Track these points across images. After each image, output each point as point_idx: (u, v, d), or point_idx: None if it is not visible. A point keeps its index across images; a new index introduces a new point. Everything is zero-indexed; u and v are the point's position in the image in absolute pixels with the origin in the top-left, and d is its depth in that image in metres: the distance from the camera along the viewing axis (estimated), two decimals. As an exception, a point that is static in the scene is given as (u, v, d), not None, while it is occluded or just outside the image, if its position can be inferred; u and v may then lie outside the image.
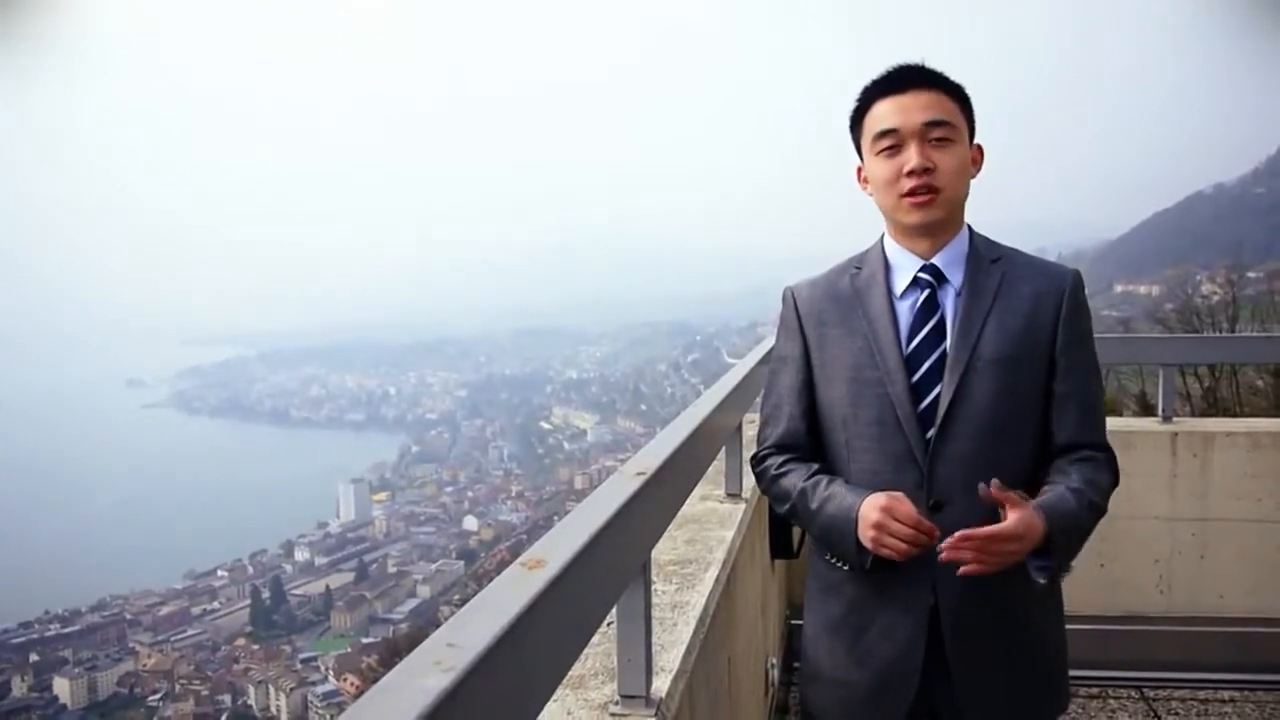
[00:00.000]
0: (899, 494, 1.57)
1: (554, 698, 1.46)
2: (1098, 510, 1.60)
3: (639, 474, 1.54)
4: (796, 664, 2.06)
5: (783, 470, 1.78)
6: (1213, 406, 19.07)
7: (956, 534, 1.44)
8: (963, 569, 1.45)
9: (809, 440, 1.79)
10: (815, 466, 1.75)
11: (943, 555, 1.45)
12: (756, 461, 1.86)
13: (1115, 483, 1.68)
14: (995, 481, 1.46)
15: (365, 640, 50.95)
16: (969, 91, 1.68)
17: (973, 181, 1.70)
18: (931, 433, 1.62)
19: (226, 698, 46.86)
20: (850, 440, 1.70)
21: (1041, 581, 1.54)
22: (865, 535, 1.57)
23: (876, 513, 1.55)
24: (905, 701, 1.68)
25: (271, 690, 45.90)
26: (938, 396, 1.63)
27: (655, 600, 1.82)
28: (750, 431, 2.43)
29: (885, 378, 1.65)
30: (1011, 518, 1.45)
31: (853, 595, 1.73)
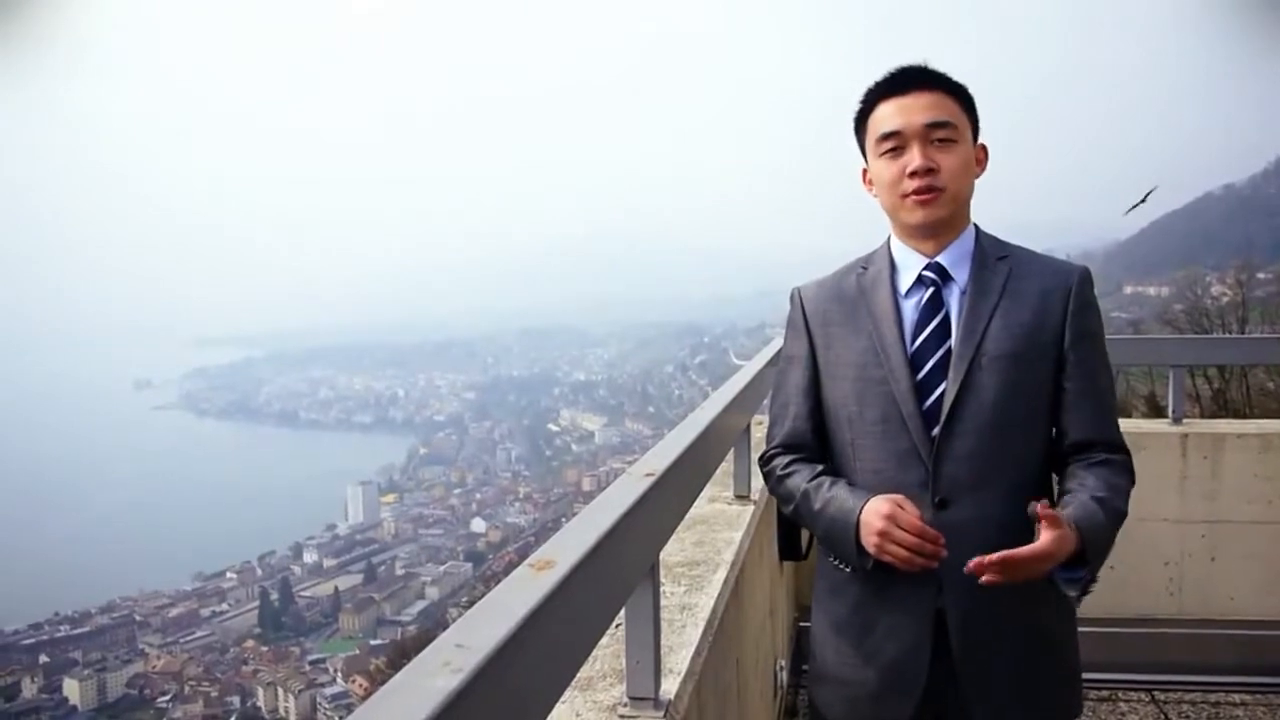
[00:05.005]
0: (900, 497, 1.56)
1: (562, 699, 1.46)
2: (1121, 517, 1.59)
3: (647, 475, 1.54)
4: (805, 666, 2.05)
5: (788, 470, 1.78)
6: (1223, 408, 19.01)
7: (992, 556, 1.41)
8: (983, 579, 1.42)
9: (815, 440, 1.79)
10: (820, 467, 1.75)
11: (968, 567, 1.42)
12: (764, 461, 1.86)
13: (1132, 483, 1.66)
14: (1044, 502, 1.44)
15: (374, 642, 50.98)
16: (974, 91, 1.68)
17: (979, 181, 1.70)
18: (936, 430, 1.61)
19: (235, 699, 46.99)
20: (855, 439, 1.70)
21: (1073, 594, 1.53)
22: (869, 541, 1.57)
23: (880, 520, 1.54)
24: (912, 701, 1.66)
25: (280, 692, 46.01)
26: (942, 394, 1.62)
27: (664, 602, 1.82)
28: (759, 433, 2.43)
29: (889, 376, 1.65)
30: (1046, 537, 1.43)
31: (858, 596, 1.72)
